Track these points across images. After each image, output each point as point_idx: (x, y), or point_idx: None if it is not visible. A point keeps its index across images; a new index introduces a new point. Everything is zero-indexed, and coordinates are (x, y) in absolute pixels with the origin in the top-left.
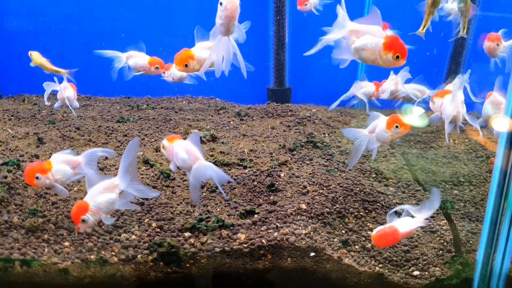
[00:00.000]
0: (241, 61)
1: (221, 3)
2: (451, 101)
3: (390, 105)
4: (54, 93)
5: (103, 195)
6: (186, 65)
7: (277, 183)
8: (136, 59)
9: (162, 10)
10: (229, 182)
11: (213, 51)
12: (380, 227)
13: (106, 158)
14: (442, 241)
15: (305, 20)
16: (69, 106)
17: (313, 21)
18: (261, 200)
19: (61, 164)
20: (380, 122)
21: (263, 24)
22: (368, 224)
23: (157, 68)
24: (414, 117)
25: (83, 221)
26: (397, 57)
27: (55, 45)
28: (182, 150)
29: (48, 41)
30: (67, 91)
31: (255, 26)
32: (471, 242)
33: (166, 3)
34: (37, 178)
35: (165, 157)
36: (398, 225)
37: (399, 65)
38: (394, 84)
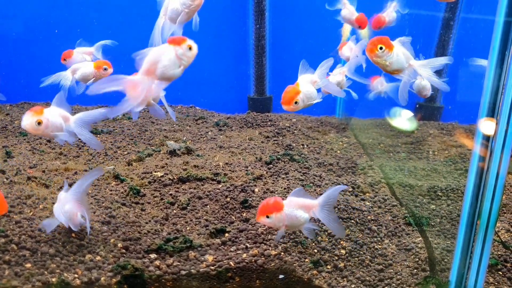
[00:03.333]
0: None
1: None
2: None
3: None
4: None
5: None
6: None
7: (250, 199)
8: (81, 70)
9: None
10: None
11: (156, 39)
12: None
13: (76, 173)
14: (417, 259)
15: (285, 29)
16: None
17: (293, 30)
18: (233, 217)
19: None
20: None
21: (243, 33)
22: (341, 242)
23: (105, 69)
24: (402, 120)
25: None
26: None
27: (30, 52)
28: (56, 116)
29: (19, 47)
30: None
31: (235, 35)
32: (445, 260)
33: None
34: None
35: (136, 172)
36: (290, 200)
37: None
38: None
